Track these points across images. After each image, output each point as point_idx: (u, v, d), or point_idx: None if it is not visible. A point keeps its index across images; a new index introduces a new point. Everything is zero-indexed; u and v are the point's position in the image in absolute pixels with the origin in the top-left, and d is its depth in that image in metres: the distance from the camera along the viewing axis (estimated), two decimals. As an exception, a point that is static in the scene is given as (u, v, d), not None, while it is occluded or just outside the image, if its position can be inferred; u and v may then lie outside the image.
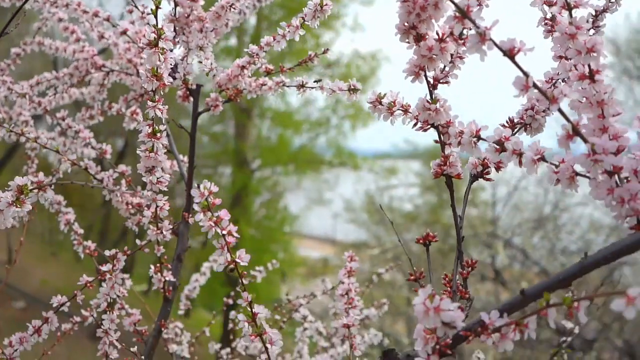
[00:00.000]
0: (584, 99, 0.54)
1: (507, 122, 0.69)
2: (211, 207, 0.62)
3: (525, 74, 0.51)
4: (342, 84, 0.87)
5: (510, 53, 0.51)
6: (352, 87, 0.85)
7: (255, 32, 9.95)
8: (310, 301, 1.36)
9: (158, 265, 0.97)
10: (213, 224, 0.62)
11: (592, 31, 0.70)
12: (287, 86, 0.97)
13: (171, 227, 0.91)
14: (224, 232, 0.62)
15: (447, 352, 0.54)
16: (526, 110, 0.68)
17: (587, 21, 0.70)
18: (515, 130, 0.69)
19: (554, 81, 0.69)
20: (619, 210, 0.51)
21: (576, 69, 0.55)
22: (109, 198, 1.02)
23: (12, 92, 1.11)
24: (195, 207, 0.61)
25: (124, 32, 1.05)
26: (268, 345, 0.64)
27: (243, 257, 0.63)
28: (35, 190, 0.66)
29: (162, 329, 0.99)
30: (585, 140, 0.51)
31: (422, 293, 0.50)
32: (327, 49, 1.00)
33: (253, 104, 11.46)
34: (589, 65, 0.54)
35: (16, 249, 1.19)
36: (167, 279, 0.97)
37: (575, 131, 0.51)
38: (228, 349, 1.37)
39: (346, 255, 0.97)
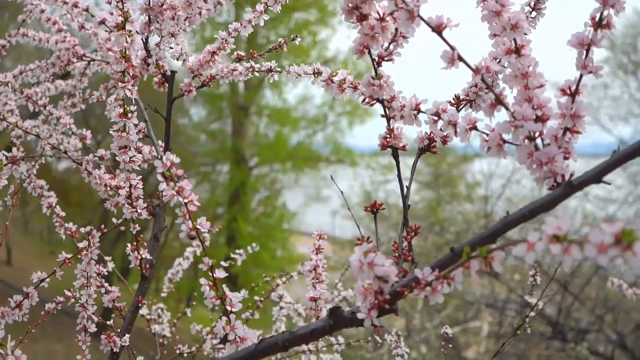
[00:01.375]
0: (511, 71, 0.58)
1: (453, 98, 0.73)
2: (174, 178, 0.66)
3: (452, 47, 0.55)
4: (307, 67, 0.91)
5: (438, 29, 0.55)
6: (316, 70, 0.89)
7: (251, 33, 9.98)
8: (288, 281, 1.41)
9: (135, 243, 1.01)
10: (175, 193, 0.66)
11: (533, 13, 0.75)
12: (257, 71, 1.01)
13: (145, 205, 0.95)
14: (186, 200, 0.66)
15: (386, 307, 0.59)
16: (470, 87, 0.72)
17: (529, 4, 0.74)
18: (461, 106, 0.73)
19: (497, 60, 0.73)
20: (538, 173, 0.55)
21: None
22: (88, 180, 1.06)
23: (-3, 81, 1.16)
24: (159, 177, 0.66)
25: (103, 22, 1.09)
26: (228, 307, 0.69)
27: (204, 224, 0.68)
28: (9, 165, 0.70)
29: (140, 305, 1.04)
30: (507, 108, 0.56)
31: (357, 250, 0.55)
32: (297, 36, 1.04)
33: (250, 101, 11.51)
34: (514, 40, 0.58)
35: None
36: (143, 256, 1.02)
37: (498, 100, 0.56)
38: (208, 328, 1.41)
39: (315, 234, 1.01)
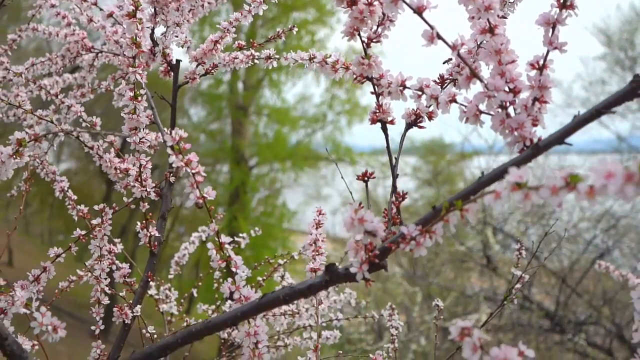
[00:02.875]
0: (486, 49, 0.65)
1: (438, 77, 0.80)
2: (182, 151, 0.73)
3: (431, 27, 0.62)
4: (303, 54, 0.98)
5: (419, 10, 0.62)
6: (312, 56, 0.96)
7: (251, 29, 10.05)
8: (290, 261, 1.48)
9: (144, 221, 1.08)
10: (184, 165, 0.73)
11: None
12: (257, 59, 1.08)
13: (154, 185, 1.02)
14: (194, 171, 0.73)
15: (376, 261, 0.65)
16: (454, 67, 0.79)
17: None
18: (445, 84, 0.80)
19: (479, 42, 0.80)
20: (510, 137, 0.62)
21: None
22: (99, 164, 1.13)
23: (9, 72, 1.22)
24: (168, 150, 0.72)
25: (110, 15, 1.16)
26: (234, 269, 0.75)
27: (210, 192, 0.74)
28: (32, 142, 0.77)
29: (149, 280, 1.10)
30: (481, 81, 0.62)
31: (349, 208, 0.62)
32: (294, 26, 1.11)
33: (249, 101, 11.57)
34: (488, 21, 0.65)
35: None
36: (152, 234, 1.08)
37: (473, 74, 0.63)
38: (214, 306, 1.48)
39: (315, 209, 1.08)
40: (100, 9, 1.20)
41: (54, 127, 0.73)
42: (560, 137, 0.58)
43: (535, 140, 0.61)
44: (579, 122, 0.58)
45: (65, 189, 1.23)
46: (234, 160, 11.11)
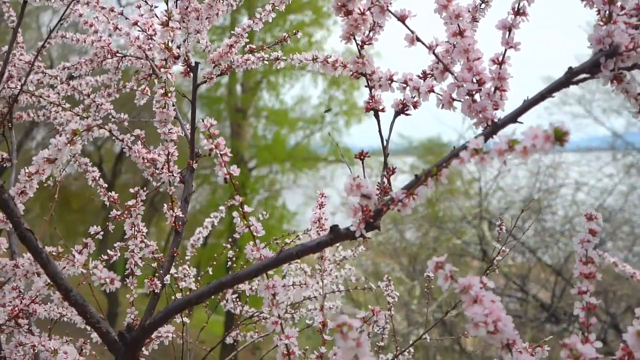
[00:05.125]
0: (456, 48, 0.81)
1: (421, 73, 0.96)
2: (212, 135, 0.89)
3: (412, 32, 0.78)
4: (307, 54, 1.14)
5: (402, 18, 0.78)
6: (314, 56, 1.12)
7: (249, 32, 10.22)
8: (295, 240, 1.64)
9: (170, 203, 1.24)
10: (214, 147, 0.89)
11: (482, 5, 0.97)
12: (266, 60, 1.24)
13: (180, 171, 1.18)
14: (222, 152, 0.89)
15: (371, 221, 0.81)
16: (434, 64, 0.95)
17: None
18: (427, 79, 0.96)
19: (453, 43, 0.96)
20: (475, 119, 0.78)
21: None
22: (129, 154, 1.29)
23: (45, 75, 1.38)
24: (201, 135, 0.88)
25: (135, 23, 1.32)
26: (255, 233, 0.91)
27: (235, 169, 0.90)
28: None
29: (175, 255, 1.26)
30: (452, 74, 0.78)
31: (348, 177, 0.77)
32: (297, 31, 1.27)
33: (248, 104, 11.73)
34: (458, 26, 0.81)
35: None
36: (177, 214, 1.24)
37: (445, 68, 0.79)
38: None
39: (318, 193, 1.24)
40: (126, 18, 1.36)
41: (88, 122, 0.87)
42: (513, 117, 0.74)
43: (495, 120, 0.77)
44: (527, 105, 0.74)
45: (97, 177, 1.39)
46: (234, 162, 11.21)
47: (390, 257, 8.50)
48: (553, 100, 0.80)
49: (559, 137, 0.55)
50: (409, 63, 0.87)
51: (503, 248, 1.34)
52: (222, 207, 1.88)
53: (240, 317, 1.60)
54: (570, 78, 0.72)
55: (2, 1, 1.62)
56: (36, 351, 1.02)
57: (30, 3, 1.18)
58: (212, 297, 1.80)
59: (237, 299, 1.81)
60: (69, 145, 0.94)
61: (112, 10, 1.37)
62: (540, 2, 0.86)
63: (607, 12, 0.70)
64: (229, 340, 1.71)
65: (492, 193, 7.87)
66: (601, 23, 0.71)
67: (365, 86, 0.91)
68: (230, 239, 1.75)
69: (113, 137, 1.26)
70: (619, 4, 0.71)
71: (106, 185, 1.38)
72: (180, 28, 1.20)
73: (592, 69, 0.70)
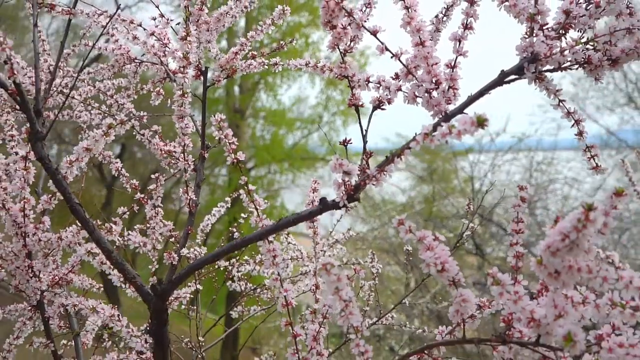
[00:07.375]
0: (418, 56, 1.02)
1: (394, 74, 1.17)
2: (222, 127, 1.10)
3: (382, 43, 0.99)
4: (301, 60, 1.34)
5: (374, 32, 0.99)
6: (307, 62, 1.33)
7: (245, 35, 10.43)
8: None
9: (185, 188, 1.45)
10: (223, 137, 1.10)
11: (445, 18, 1.18)
12: (267, 65, 1.45)
13: (194, 159, 1.39)
14: (230, 141, 1.10)
15: (352, 194, 1.02)
16: (401, 68, 1.16)
17: (441, 12, 1.18)
18: (398, 79, 1.16)
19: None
20: (432, 111, 0.99)
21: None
22: (148, 147, 1.49)
23: (74, 79, 1.59)
24: (213, 127, 1.09)
25: (152, 34, 1.53)
26: (258, 207, 1.12)
27: (241, 155, 1.11)
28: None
29: (189, 232, 1.47)
30: (414, 76, 0.99)
31: (334, 158, 0.98)
32: (293, 39, 1.48)
33: (246, 104, 11.93)
34: (419, 37, 1.02)
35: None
36: (191, 197, 1.45)
37: (409, 72, 1.00)
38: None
39: (312, 180, 1.44)
40: (144, 29, 1.57)
41: (121, 118, 1.07)
42: (460, 109, 0.95)
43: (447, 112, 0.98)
44: (470, 100, 0.95)
45: (120, 168, 1.60)
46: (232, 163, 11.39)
47: (386, 253, 8.71)
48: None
49: (480, 122, 0.76)
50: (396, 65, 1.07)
51: (472, 225, 1.54)
52: (227, 199, 2.08)
53: (245, 293, 1.81)
54: (502, 78, 0.93)
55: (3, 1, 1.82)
56: (77, 309, 1.22)
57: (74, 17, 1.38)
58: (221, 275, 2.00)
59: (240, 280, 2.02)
60: (104, 136, 1.15)
61: (132, 22, 1.58)
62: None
63: (529, 27, 0.91)
64: (234, 314, 1.92)
65: (486, 191, 8.08)
66: (526, 36, 0.92)
67: (347, 86, 1.12)
68: (234, 224, 1.95)
69: (137, 133, 1.47)
70: (539, 20, 0.92)
71: (128, 175, 1.59)
72: (195, 41, 1.41)
73: (518, 71, 0.92)
